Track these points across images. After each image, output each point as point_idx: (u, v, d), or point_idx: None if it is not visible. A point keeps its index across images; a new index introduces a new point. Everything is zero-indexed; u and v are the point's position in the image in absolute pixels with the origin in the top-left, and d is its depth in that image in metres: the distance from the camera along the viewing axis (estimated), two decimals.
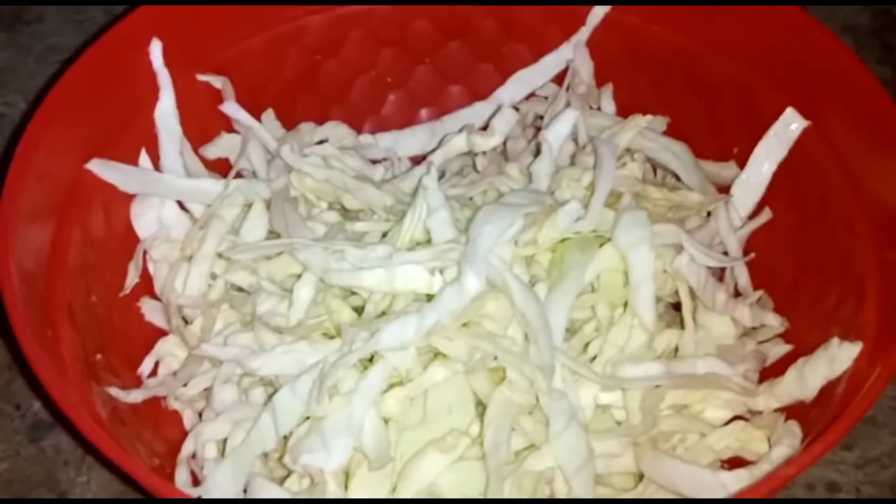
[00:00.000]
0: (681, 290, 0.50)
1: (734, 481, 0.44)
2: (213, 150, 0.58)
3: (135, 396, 0.49)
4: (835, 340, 0.46)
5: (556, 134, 0.55)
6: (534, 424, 0.46)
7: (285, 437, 0.47)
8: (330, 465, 0.45)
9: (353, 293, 0.51)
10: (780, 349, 0.51)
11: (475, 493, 0.46)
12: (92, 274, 0.51)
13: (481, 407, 0.47)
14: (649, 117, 0.57)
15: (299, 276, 0.51)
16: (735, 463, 0.48)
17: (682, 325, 0.51)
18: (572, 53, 0.60)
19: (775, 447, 0.46)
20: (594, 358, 0.49)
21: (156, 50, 0.54)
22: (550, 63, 0.61)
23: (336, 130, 0.61)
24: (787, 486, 0.50)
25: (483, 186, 0.55)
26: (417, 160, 0.61)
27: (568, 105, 0.57)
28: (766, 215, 0.55)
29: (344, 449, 0.45)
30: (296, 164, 0.55)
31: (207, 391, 0.51)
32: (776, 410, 0.48)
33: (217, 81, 0.57)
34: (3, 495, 0.53)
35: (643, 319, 0.48)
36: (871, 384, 0.43)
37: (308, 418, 0.46)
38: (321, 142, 0.60)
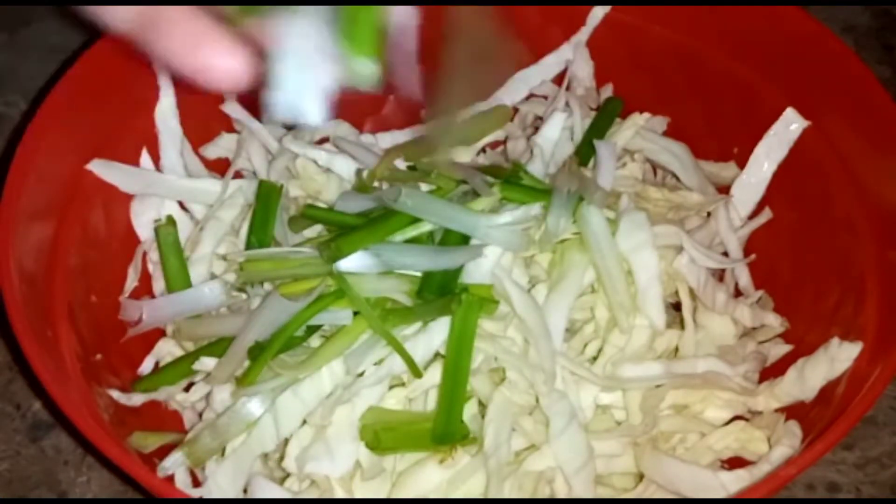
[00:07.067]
0: (681, 291, 0.50)
1: (734, 481, 0.44)
2: (213, 150, 0.58)
3: (136, 400, 0.49)
4: (835, 340, 0.46)
5: (546, 138, 0.56)
6: (534, 424, 0.46)
7: (285, 440, 0.47)
8: (336, 472, 0.45)
9: None
10: (780, 349, 0.51)
11: (475, 493, 0.46)
12: (92, 274, 0.51)
13: (482, 407, 0.47)
14: (647, 115, 0.57)
15: None
16: (735, 463, 0.48)
17: (682, 326, 0.50)
18: (572, 54, 0.60)
19: (775, 447, 0.46)
20: (595, 357, 0.49)
21: None
22: (550, 63, 0.61)
23: (338, 128, 0.61)
24: (787, 486, 0.50)
25: None
26: None
27: (567, 106, 0.57)
28: (766, 215, 0.55)
29: (349, 454, 0.45)
30: (301, 151, 0.55)
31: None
32: (776, 410, 0.48)
33: None
34: (3, 495, 0.53)
35: (654, 321, 0.48)
36: (871, 384, 0.43)
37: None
38: (321, 141, 0.60)
